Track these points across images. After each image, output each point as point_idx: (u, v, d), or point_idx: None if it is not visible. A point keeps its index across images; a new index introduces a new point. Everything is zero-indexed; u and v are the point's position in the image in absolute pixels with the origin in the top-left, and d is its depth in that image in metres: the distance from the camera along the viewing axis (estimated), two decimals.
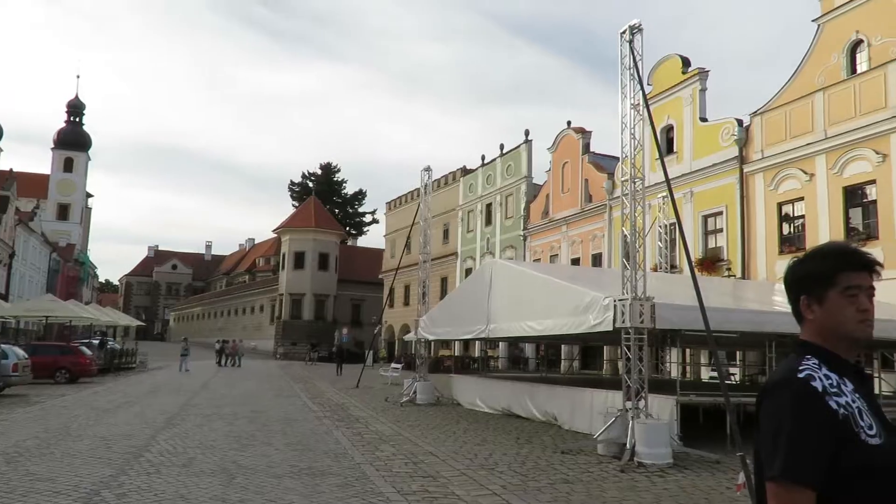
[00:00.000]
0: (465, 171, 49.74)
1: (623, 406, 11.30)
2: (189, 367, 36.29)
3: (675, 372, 21.15)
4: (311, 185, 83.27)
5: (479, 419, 16.39)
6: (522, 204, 41.43)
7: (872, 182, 20.84)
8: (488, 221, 45.39)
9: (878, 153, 20.54)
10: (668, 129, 29.27)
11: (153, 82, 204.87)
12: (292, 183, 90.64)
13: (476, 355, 40.09)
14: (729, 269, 25.10)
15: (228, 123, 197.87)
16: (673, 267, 25.29)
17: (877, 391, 15.53)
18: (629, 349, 11.35)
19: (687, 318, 11.52)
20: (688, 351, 22.41)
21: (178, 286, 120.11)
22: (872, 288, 1.98)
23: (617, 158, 13.90)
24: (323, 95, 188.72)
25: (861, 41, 21.66)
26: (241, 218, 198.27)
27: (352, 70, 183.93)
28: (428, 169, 23.85)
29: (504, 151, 44.59)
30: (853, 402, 1.86)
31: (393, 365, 33.02)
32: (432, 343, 27.31)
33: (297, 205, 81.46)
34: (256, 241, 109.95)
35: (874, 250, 20.22)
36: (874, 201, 20.79)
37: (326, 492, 7.96)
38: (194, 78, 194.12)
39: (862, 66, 21.68)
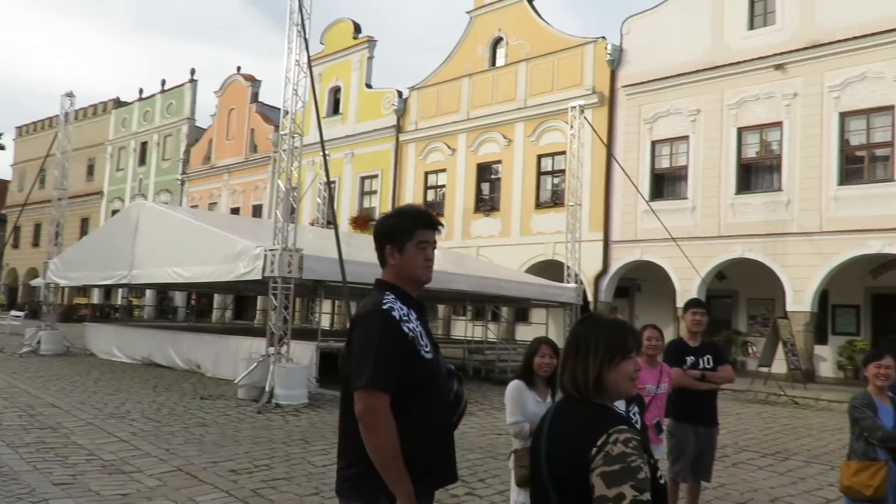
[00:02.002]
0: (119, 104, 45.01)
1: (266, 352, 11.71)
2: None
3: (325, 321, 22.30)
4: None
5: (115, 369, 15.42)
6: (183, 146, 39.12)
7: (499, 162, 24.32)
8: (143, 161, 41.91)
9: (505, 138, 24.00)
10: (336, 90, 30.25)
11: None
12: None
13: (119, 304, 37.07)
14: None
15: None
16: (330, 223, 26.41)
17: (483, 338, 18.47)
18: (276, 297, 11.77)
19: (333, 270, 12.28)
20: (336, 302, 23.76)
21: None
22: (436, 242, 2.60)
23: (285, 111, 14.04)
24: None
25: (501, 39, 24.91)
26: None
27: None
28: (70, 94, 21.17)
29: (166, 88, 41.39)
30: (417, 327, 2.44)
31: (13, 313, 28.90)
32: (65, 289, 24.58)
33: None
34: None
35: (495, 220, 23.77)
36: (499, 178, 24.30)
37: None
38: None
39: (500, 61, 24.97)
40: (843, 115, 17.11)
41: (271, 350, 11.62)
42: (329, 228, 25.30)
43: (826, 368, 18.30)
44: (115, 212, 40.02)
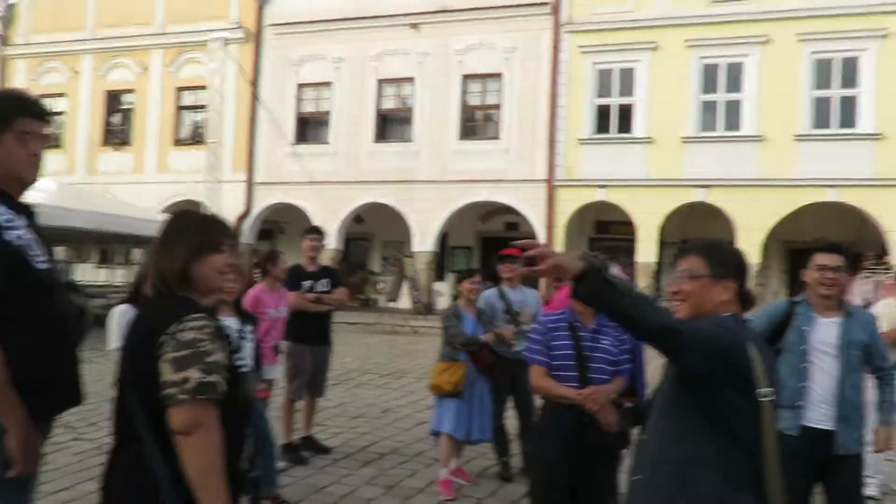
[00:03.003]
0: None
1: None
2: None
3: None
4: None
5: None
6: None
7: (132, 91, 22.08)
8: None
9: (139, 65, 21.82)
10: None
11: None
12: None
13: None
14: None
15: None
16: None
17: (108, 282, 16.91)
18: None
19: None
20: None
21: None
22: (47, 137, 2.17)
23: None
24: None
25: None
26: None
27: None
28: None
29: None
30: (26, 234, 2.07)
31: None
32: None
33: None
34: None
35: (127, 155, 21.71)
36: (132, 109, 22.09)
37: None
38: None
39: None
40: (465, 77, 19.22)
41: None
42: None
43: (443, 302, 20.74)
44: None
